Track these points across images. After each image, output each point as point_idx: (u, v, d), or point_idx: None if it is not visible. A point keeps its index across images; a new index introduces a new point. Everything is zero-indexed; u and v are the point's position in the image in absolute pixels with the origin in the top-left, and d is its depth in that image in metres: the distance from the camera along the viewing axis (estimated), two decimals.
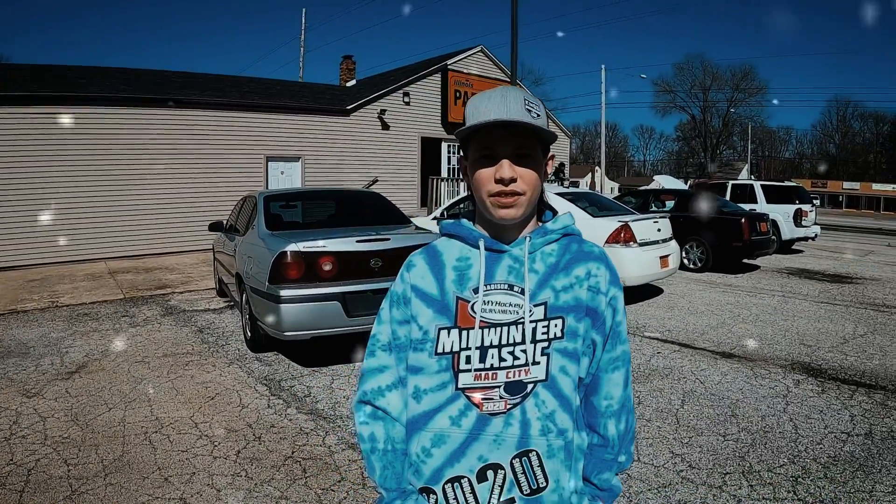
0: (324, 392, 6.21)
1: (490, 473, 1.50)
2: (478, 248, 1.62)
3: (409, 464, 1.63)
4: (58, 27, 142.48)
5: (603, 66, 48.37)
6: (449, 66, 25.78)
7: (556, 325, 1.54)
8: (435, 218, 12.85)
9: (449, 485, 1.53)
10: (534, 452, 1.50)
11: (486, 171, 1.53)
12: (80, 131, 16.92)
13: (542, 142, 1.58)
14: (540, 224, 1.68)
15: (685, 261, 15.07)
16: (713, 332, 8.72)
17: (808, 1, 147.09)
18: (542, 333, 1.53)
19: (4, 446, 4.95)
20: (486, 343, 1.54)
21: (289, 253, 6.75)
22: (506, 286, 1.57)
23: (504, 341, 1.54)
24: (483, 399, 1.52)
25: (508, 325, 1.54)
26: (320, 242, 6.93)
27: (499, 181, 1.51)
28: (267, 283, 6.79)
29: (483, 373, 1.53)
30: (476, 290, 1.58)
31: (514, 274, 1.58)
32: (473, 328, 1.55)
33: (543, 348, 1.53)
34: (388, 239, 7.25)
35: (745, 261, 15.86)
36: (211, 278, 12.83)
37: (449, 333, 1.57)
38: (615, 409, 1.65)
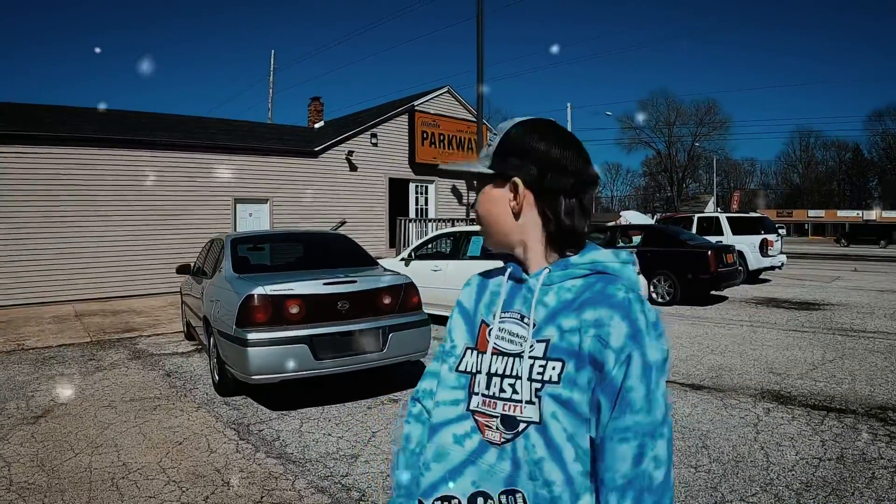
0: (293, 435, 6.21)
1: (480, 501, 1.46)
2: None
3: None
4: (24, 65, 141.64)
5: (569, 105, 49.08)
6: (416, 107, 26.07)
7: (553, 368, 1.43)
8: (403, 259, 12.90)
9: (439, 502, 1.52)
10: (520, 494, 1.42)
11: None
12: (47, 171, 16.96)
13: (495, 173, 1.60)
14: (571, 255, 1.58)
15: (653, 295, 15.28)
16: (682, 365, 8.83)
17: (768, 35, 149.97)
18: (538, 373, 1.44)
19: None
20: (493, 370, 1.52)
21: (256, 296, 6.79)
22: (518, 316, 1.53)
23: (507, 371, 1.50)
24: (485, 426, 1.49)
25: (513, 356, 1.50)
26: (287, 285, 6.98)
27: None
28: (234, 327, 6.81)
29: (487, 400, 1.50)
30: (496, 316, 1.57)
31: (527, 305, 1.53)
32: (486, 353, 1.55)
33: (536, 390, 1.44)
34: (356, 281, 7.32)
35: (713, 292, 16.10)
36: (179, 321, 12.75)
37: (471, 354, 1.59)
38: (619, 483, 1.39)
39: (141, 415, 6.93)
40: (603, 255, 1.54)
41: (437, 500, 1.52)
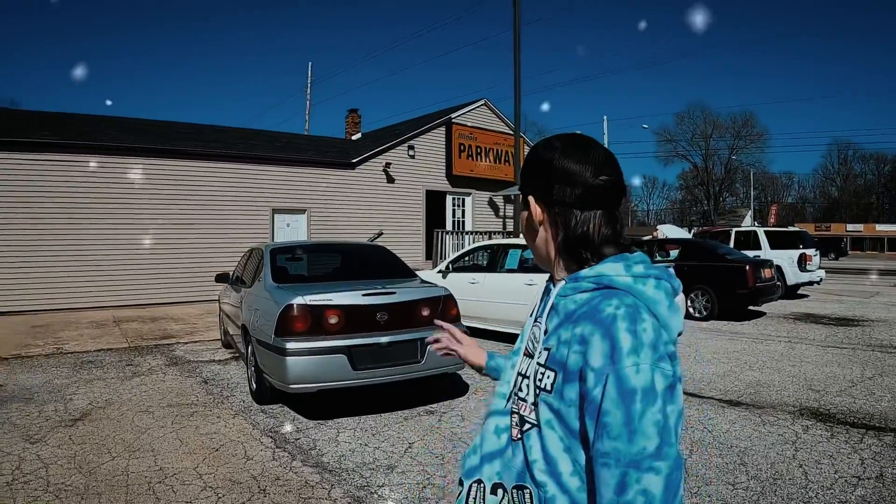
0: (329, 445, 6.20)
1: (500, 491, 1.53)
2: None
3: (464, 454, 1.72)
4: (66, 75, 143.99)
5: (605, 117, 48.95)
6: (453, 120, 26.13)
7: (548, 377, 1.44)
8: (440, 271, 12.88)
9: (475, 485, 1.59)
10: (528, 490, 1.45)
11: None
12: (88, 180, 17.24)
13: (527, 188, 1.64)
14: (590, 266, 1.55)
15: (691, 310, 15.14)
16: (720, 381, 8.70)
17: (805, 46, 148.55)
18: (538, 379, 1.48)
19: (6, 491, 4.96)
20: (520, 371, 1.60)
21: (295, 306, 6.80)
22: (541, 322, 1.57)
23: (527, 373, 1.55)
24: (514, 423, 1.56)
25: (531, 359, 1.55)
26: (327, 296, 6.98)
27: None
28: (273, 336, 6.82)
29: (516, 398, 1.58)
30: (533, 321, 1.65)
31: (545, 312, 1.58)
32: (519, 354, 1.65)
33: (536, 395, 1.48)
34: (395, 293, 7.31)
35: (751, 307, 15.91)
36: (216, 329, 12.85)
37: (521, 355, 1.64)
38: None
39: (178, 420, 6.96)
40: (611, 269, 1.47)
41: (473, 482, 1.60)
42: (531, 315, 1.67)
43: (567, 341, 1.41)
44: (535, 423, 1.47)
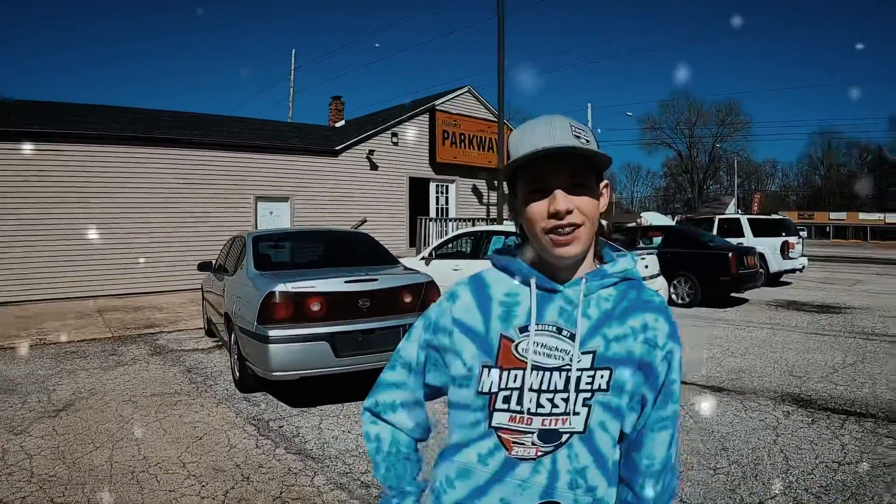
0: (312, 432, 6.22)
1: None
2: (528, 285, 1.53)
3: (430, 489, 1.61)
4: (47, 64, 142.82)
5: (589, 105, 49.05)
6: (436, 107, 26.08)
7: (602, 377, 1.45)
8: (423, 258, 12.89)
9: None
10: None
11: (539, 206, 1.44)
12: (70, 169, 17.10)
13: (595, 169, 1.49)
14: (598, 265, 1.57)
15: (674, 296, 15.22)
16: (703, 367, 8.77)
17: (790, 36, 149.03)
18: (587, 384, 1.45)
19: None
20: (527, 386, 1.46)
21: (277, 293, 6.80)
22: (554, 329, 1.48)
23: (545, 387, 1.46)
24: (514, 443, 1.46)
25: (552, 370, 1.46)
26: (309, 283, 6.99)
27: (553, 215, 1.41)
28: (255, 323, 6.83)
29: (518, 416, 1.46)
30: (522, 330, 1.49)
31: (564, 317, 1.49)
32: (515, 368, 1.48)
33: (586, 399, 1.44)
34: (377, 280, 7.32)
35: (734, 294, 16.00)
36: (199, 318, 12.82)
37: (489, 372, 1.49)
38: (656, 469, 1.54)
39: (161, 410, 6.96)
40: (629, 263, 1.57)
41: None
42: (509, 325, 1.51)
43: (623, 336, 1.48)
44: (579, 430, 1.45)
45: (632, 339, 1.48)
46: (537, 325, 1.49)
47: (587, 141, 1.45)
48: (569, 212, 1.41)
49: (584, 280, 1.50)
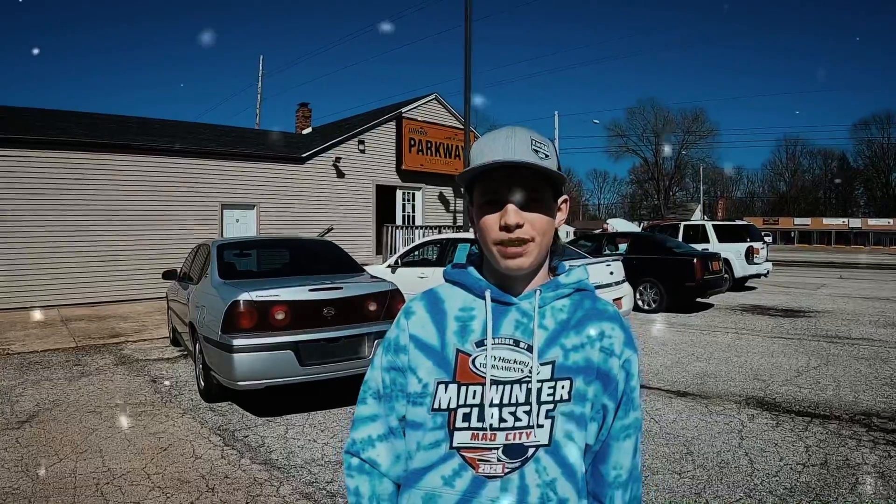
0: (278, 442, 6.23)
1: None
2: (483, 298, 1.52)
3: None
4: (7, 67, 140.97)
5: (556, 112, 49.02)
6: (403, 114, 26.10)
7: (562, 387, 1.45)
8: (389, 266, 12.92)
9: None
10: None
11: (491, 218, 1.44)
12: (32, 176, 16.88)
13: (552, 184, 1.48)
14: (551, 277, 1.58)
15: (640, 302, 15.34)
16: (667, 372, 8.90)
17: (755, 45, 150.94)
18: (548, 395, 1.44)
19: None
20: (487, 401, 1.44)
21: (242, 302, 6.81)
22: (511, 342, 1.47)
23: (506, 401, 1.44)
24: (479, 460, 1.42)
25: (511, 383, 1.45)
26: (273, 291, 7.00)
27: (503, 228, 1.41)
28: (220, 333, 6.82)
29: (481, 433, 1.43)
30: (478, 344, 1.48)
31: (520, 329, 1.48)
32: (473, 384, 1.46)
33: (548, 411, 1.43)
34: (341, 288, 7.34)
35: (699, 300, 16.22)
36: (165, 327, 12.74)
37: (447, 388, 1.47)
38: (624, 479, 1.53)
39: (126, 420, 6.92)
40: (582, 274, 1.60)
41: None
42: (465, 339, 1.50)
43: (581, 345, 1.49)
44: (545, 442, 1.43)
45: (589, 348, 1.48)
46: (494, 338, 1.48)
47: (546, 156, 1.46)
48: (519, 226, 1.41)
49: (538, 292, 1.50)
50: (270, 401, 7.51)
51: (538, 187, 1.45)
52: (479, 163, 1.43)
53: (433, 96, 27.70)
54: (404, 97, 30.81)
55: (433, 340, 1.53)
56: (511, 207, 1.42)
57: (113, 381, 8.71)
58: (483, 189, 1.47)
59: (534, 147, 1.44)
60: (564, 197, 1.56)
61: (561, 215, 1.56)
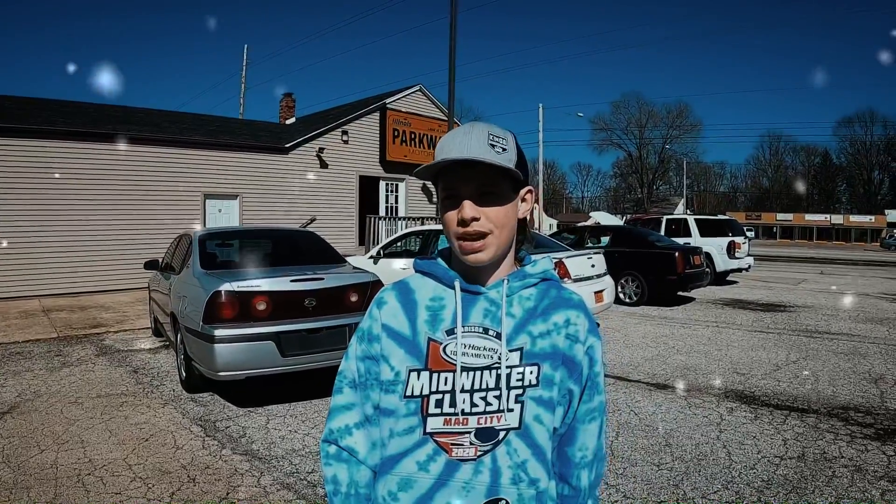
0: (259, 432, 6.25)
1: None
2: (453, 288, 1.57)
3: None
4: None
5: (540, 105, 48.96)
6: (387, 105, 26.08)
7: (531, 372, 1.50)
8: (372, 257, 12.93)
9: None
10: (503, 501, 1.46)
11: (451, 213, 1.48)
12: (12, 165, 16.72)
13: (511, 177, 1.51)
14: (518, 267, 1.64)
15: (621, 295, 15.38)
16: (648, 365, 8.97)
17: (741, 41, 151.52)
18: (517, 380, 1.49)
19: None
20: (458, 387, 1.49)
21: (223, 292, 6.81)
22: (480, 329, 1.53)
23: (476, 386, 1.49)
24: (452, 444, 1.47)
25: (482, 369, 1.50)
26: (255, 282, 7.01)
27: (460, 223, 1.46)
28: (201, 323, 6.83)
29: (453, 418, 1.48)
30: (449, 332, 1.53)
31: (489, 317, 1.54)
32: (445, 371, 1.50)
33: (518, 395, 1.48)
34: (323, 278, 7.36)
35: (680, 293, 16.30)
36: (146, 317, 12.71)
37: (419, 376, 1.51)
38: (589, 459, 1.62)
39: (107, 411, 6.92)
40: (548, 264, 1.66)
41: None
42: (436, 328, 1.55)
43: (547, 332, 1.55)
44: (515, 425, 1.48)
45: (555, 334, 1.55)
46: (464, 326, 1.53)
47: (503, 150, 1.48)
48: (475, 219, 1.45)
49: (506, 281, 1.56)
50: (252, 391, 7.53)
51: (494, 181, 1.48)
52: (437, 160, 1.48)
53: (417, 87, 27.65)
54: (388, 88, 30.80)
55: (405, 329, 1.57)
56: (467, 203, 1.46)
57: (94, 372, 8.69)
58: (443, 185, 1.52)
59: (490, 142, 1.47)
60: (528, 188, 1.60)
61: (525, 206, 1.60)
